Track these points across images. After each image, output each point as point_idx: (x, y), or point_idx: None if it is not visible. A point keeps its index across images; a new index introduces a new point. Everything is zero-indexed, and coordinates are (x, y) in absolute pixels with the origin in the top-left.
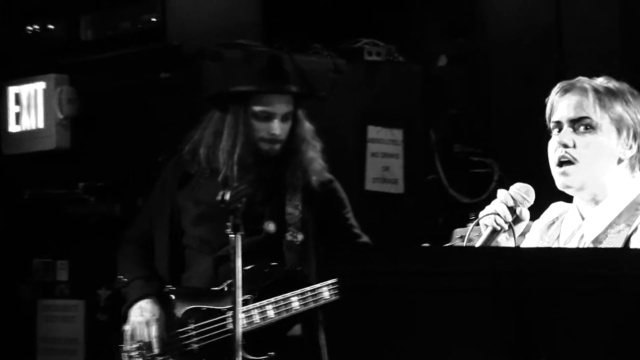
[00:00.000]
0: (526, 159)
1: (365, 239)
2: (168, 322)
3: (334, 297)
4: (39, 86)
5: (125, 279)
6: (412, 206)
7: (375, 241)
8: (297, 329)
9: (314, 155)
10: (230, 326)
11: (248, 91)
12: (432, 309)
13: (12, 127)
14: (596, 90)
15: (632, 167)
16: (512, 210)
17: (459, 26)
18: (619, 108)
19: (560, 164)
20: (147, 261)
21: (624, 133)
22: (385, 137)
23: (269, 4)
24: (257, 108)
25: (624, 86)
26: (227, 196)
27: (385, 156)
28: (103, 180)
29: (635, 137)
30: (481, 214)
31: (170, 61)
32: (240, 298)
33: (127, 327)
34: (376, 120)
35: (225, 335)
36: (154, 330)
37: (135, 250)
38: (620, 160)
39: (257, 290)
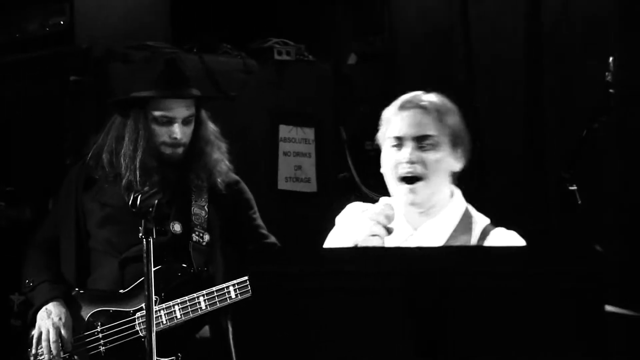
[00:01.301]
0: None
1: (272, 239)
2: (75, 325)
3: (240, 297)
4: None
5: (31, 284)
6: (324, 203)
7: (288, 240)
8: (205, 331)
9: (219, 156)
10: (137, 328)
11: (148, 97)
12: (340, 309)
13: None
14: (436, 108)
15: (456, 180)
16: (384, 225)
17: (368, 25)
18: (454, 124)
19: (409, 180)
20: (52, 266)
21: (459, 148)
22: (297, 135)
23: (178, 5)
24: (157, 113)
25: (452, 103)
26: (138, 201)
27: (297, 155)
28: (13, 185)
29: (464, 151)
30: (370, 215)
31: (79, 64)
32: (153, 302)
33: (34, 331)
34: (287, 119)
35: (131, 337)
36: (61, 332)
37: (41, 256)
38: (452, 174)
39: (164, 291)
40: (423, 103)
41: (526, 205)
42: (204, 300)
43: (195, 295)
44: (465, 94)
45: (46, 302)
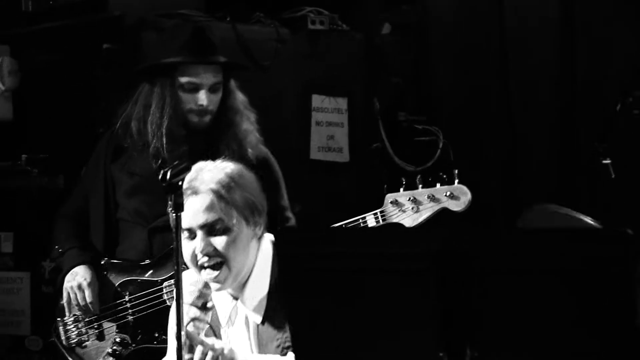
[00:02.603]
0: (469, 127)
1: (291, 222)
2: (103, 294)
3: None
4: None
5: (60, 250)
6: (356, 174)
7: (319, 210)
8: None
9: (249, 127)
10: (165, 297)
11: (174, 63)
12: (368, 288)
13: None
14: (215, 191)
15: (259, 236)
16: (203, 306)
17: None
18: (239, 197)
19: (209, 268)
20: (81, 234)
21: (251, 217)
22: (330, 105)
23: None
24: (183, 79)
25: (236, 167)
26: (168, 175)
27: (329, 125)
28: (46, 152)
29: (259, 214)
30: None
31: (111, 32)
32: (181, 278)
33: (63, 297)
34: (320, 89)
35: (159, 307)
36: (87, 294)
37: (70, 225)
38: (254, 238)
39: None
40: (201, 187)
41: (560, 182)
42: None
43: None
44: (497, 64)
45: (73, 266)
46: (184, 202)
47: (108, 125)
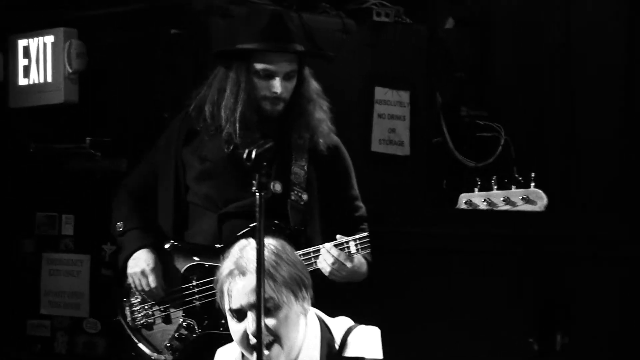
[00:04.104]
0: (531, 123)
1: (361, 212)
2: (170, 278)
3: (361, 252)
4: (48, 40)
5: (121, 228)
6: (416, 167)
7: (381, 202)
8: None
9: (322, 116)
10: None
11: (250, 49)
12: (456, 272)
13: (21, 80)
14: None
15: (306, 311)
16: None
17: None
18: (286, 273)
19: (263, 347)
20: (143, 212)
21: (299, 292)
22: (392, 98)
23: None
24: (258, 66)
25: (278, 242)
26: (254, 154)
27: (391, 118)
28: (110, 136)
29: (306, 288)
30: None
31: (179, 17)
32: (263, 259)
33: (128, 280)
34: (383, 82)
35: None
36: (151, 279)
37: (132, 202)
38: (302, 314)
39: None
40: (249, 267)
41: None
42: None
43: None
44: (562, 60)
45: (135, 250)
46: (232, 284)
47: (174, 110)
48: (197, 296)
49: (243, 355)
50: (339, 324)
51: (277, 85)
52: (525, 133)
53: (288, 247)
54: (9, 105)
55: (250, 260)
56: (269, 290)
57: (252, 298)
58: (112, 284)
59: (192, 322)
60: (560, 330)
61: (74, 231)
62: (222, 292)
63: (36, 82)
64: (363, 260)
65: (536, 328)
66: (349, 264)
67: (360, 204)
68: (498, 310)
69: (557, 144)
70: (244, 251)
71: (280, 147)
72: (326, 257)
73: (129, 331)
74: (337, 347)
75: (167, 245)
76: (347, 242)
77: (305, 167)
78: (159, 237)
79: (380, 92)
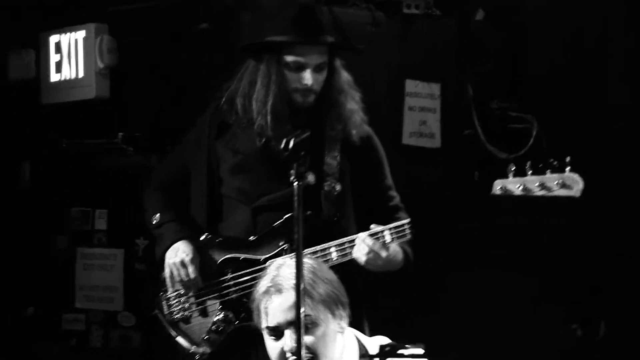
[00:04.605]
0: (563, 115)
1: (395, 201)
2: (205, 271)
3: (396, 241)
4: (79, 35)
5: (157, 221)
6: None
7: (413, 194)
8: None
9: (353, 107)
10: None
11: (281, 41)
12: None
13: (52, 77)
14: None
15: (343, 330)
16: None
17: None
18: (323, 291)
19: None
20: (177, 205)
21: (336, 310)
22: (423, 90)
23: None
24: (289, 58)
25: (314, 262)
26: (292, 143)
27: (422, 110)
28: (141, 131)
29: (343, 307)
30: None
31: (208, 11)
32: (301, 249)
33: (165, 272)
34: (414, 74)
35: None
36: (191, 270)
37: (163, 193)
38: (339, 332)
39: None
40: (285, 285)
41: None
42: (335, 250)
43: (326, 245)
44: (596, 52)
45: (174, 242)
46: (269, 302)
47: (203, 104)
48: (233, 289)
49: None
50: (374, 341)
51: (307, 77)
52: (558, 124)
53: (324, 266)
54: (41, 102)
55: (287, 278)
56: (306, 308)
57: (289, 315)
58: (145, 278)
59: (229, 315)
60: (604, 319)
61: (107, 226)
62: (258, 310)
63: (68, 78)
64: (398, 249)
65: (579, 314)
66: (384, 253)
67: (394, 193)
68: (545, 297)
69: (591, 135)
70: (280, 269)
71: (312, 139)
72: (361, 246)
73: (166, 325)
74: None
75: (202, 238)
76: (382, 232)
77: (338, 158)
78: (195, 229)
79: (410, 85)
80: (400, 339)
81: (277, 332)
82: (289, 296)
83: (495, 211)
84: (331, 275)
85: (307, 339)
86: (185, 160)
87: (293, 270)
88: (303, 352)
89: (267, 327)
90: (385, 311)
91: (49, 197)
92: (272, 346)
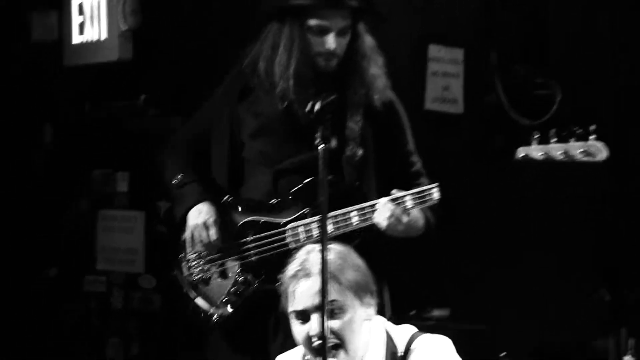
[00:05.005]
0: (588, 82)
1: (417, 166)
2: (226, 232)
3: (419, 206)
4: None
5: (179, 180)
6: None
7: (436, 162)
8: (356, 242)
9: (377, 72)
10: (287, 240)
11: (304, 4)
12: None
13: (75, 38)
14: (329, 271)
15: (371, 318)
16: None
17: None
18: (351, 277)
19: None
20: (200, 167)
21: (364, 297)
22: (446, 56)
23: None
24: (312, 22)
25: (344, 248)
26: (318, 106)
27: (445, 75)
28: (164, 93)
29: (371, 294)
30: None
31: None
32: (326, 213)
33: (186, 233)
34: (437, 39)
35: (282, 250)
36: (212, 232)
37: (186, 154)
38: (366, 320)
39: (315, 203)
40: (314, 270)
41: None
42: (356, 214)
43: (348, 209)
44: (623, 19)
45: (196, 202)
46: (296, 286)
47: (224, 69)
48: (253, 251)
49: None
50: (403, 332)
51: (330, 41)
52: (583, 91)
53: (353, 253)
54: (64, 63)
55: (316, 263)
56: (333, 293)
57: (317, 300)
58: (166, 240)
59: (249, 277)
60: (629, 286)
61: (128, 188)
62: (286, 293)
63: (90, 39)
64: (420, 215)
65: (607, 280)
66: (405, 219)
67: (417, 158)
68: (572, 264)
69: (616, 102)
70: (310, 254)
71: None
72: (382, 211)
73: (185, 286)
74: (400, 354)
75: (224, 200)
76: (403, 197)
77: (360, 123)
78: (217, 191)
79: (434, 50)
80: (424, 304)
81: (303, 316)
82: (317, 280)
83: (517, 178)
84: (360, 262)
85: (334, 324)
86: (208, 122)
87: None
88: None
89: (294, 311)
90: (408, 277)
91: (71, 159)
92: (298, 330)
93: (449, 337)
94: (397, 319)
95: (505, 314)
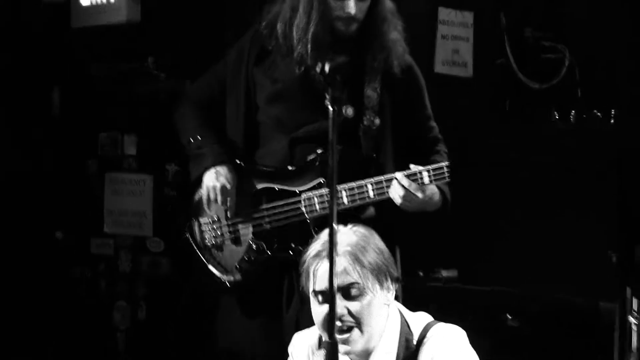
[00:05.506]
0: (597, 45)
1: (436, 132)
2: (241, 197)
3: (434, 183)
4: None
5: (198, 141)
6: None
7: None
8: (370, 211)
9: (396, 36)
10: (302, 209)
11: None
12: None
13: (84, 0)
14: (351, 254)
15: (389, 303)
16: None
17: None
18: (373, 260)
19: (339, 332)
20: (217, 128)
21: (385, 282)
22: (456, 19)
23: None
24: None
25: (367, 231)
26: (327, 67)
27: (455, 39)
28: (173, 56)
29: (392, 279)
30: None
31: None
32: (335, 177)
33: (202, 193)
34: (447, 2)
35: (297, 219)
36: (228, 197)
37: (201, 113)
38: (385, 304)
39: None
40: (338, 250)
41: None
42: (372, 188)
43: (363, 182)
44: None
45: (215, 164)
46: (318, 265)
47: (236, 32)
48: (266, 219)
49: (320, 342)
50: (418, 320)
51: (351, 5)
52: (592, 55)
53: (377, 236)
54: (71, 25)
55: (339, 243)
56: (355, 275)
57: (338, 280)
58: (175, 203)
59: (262, 245)
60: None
61: (136, 151)
62: (307, 273)
63: (99, 1)
64: (436, 190)
65: (615, 240)
66: (420, 195)
67: (434, 124)
68: (573, 223)
69: (625, 66)
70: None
71: (353, 69)
72: (397, 187)
73: (197, 251)
74: (414, 342)
75: (240, 164)
76: (420, 173)
77: (378, 90)
78: (234, 154)
79: (443, 13)
80: (433, 265)
81: (323, 296)
82: (339, 262)
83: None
84: (383, 246)
85: (353, 306)
86: (223, 82)
87: (346, 237)
88: (346, 318)
89: (314, 291)
90: (417, 238)
91: (79, 122)
92: (318, 311)
93: (457, 298)
94: (406, 280)
95: (513, 275)
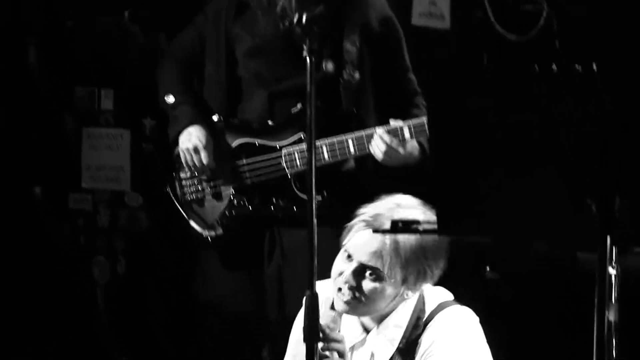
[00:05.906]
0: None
1: (414, 84)
2: (219, 154)
3: (414, 138)
4: None
5: (171, 102)
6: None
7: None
8: (351, 164)
9: None
10: (283, 165)
11: None
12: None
13: None
14: (396, 239)
15: (407, 298)
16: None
17: None
18: (411, 260)
19: (345, 302)
20: (192, 85)
21: (410, 279)
22: None
23: None
24: None
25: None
26: (304, 18)
27: None
28: (149, 9)
29: (423, 280)
30: None
31: None
32: (314, 131)
33: (178, 151)
34: None
35: (278, 174)
36: (203, 156)
37: (179, 70)
38: (397, 297)
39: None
40: (385, 227)
41: None
42: (353, 143)
43: (344, 137)
44: None
45: (186, 126)
46: (361, 231)
47: None
48: (247, 174)
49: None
50: (434, 297)
51: None
52: (569, 5)
53: (436, 244)
54: None
55: (385, 222)
56: (385, 262)
57: (365, 258)
58: (153, 158)
59: (243, 200)
60: (619, 194)
61: (113, 105)
62: (350, 227)
63: None
64: (416, 145)
65: (595, 189)
66: (401, 150)
67: (412, 76)
68: (561, 168)
69: (607, 19)
70: (393, 211)
71: (331, 24)
72: (378, 143)
73: (178, 206)
74: (424, 319)
75: (216, 120)
76: (401, 129)
77: (358, 44)
78: (208, 112)
79: None
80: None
81: (350, 258)
82: (378, 241)
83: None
84: (437, 255)
85: (366, 285)
86: (203, 36)
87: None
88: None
89: (345, 247)
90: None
91: (55, 77)
92: (340, 263)
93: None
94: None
95: (494, 226)
